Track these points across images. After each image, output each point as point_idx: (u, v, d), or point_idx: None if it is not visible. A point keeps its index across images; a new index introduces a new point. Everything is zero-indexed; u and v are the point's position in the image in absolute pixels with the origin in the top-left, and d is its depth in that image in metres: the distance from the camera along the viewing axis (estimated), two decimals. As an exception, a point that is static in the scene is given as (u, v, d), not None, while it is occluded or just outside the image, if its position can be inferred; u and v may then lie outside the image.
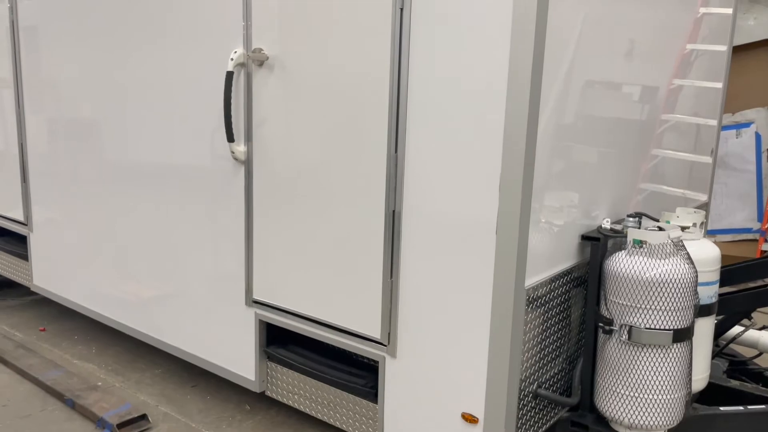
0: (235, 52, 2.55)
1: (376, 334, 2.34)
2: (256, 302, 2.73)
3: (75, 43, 3.36)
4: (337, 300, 2.44)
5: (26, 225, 3.93)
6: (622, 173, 2.62)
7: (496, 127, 1.96)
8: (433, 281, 2.18)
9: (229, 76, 2.55)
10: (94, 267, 3.51)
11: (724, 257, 2.39)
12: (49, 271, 3.86)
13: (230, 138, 2.61)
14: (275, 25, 2.47)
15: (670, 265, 2.07)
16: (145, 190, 3.14)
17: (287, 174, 2.53)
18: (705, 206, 3.43)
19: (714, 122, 3.41)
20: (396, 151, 2.19)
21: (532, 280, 2.07)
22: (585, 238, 2.31)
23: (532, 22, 1.85)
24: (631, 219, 2.27)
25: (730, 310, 2.72)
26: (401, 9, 2.10)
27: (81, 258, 3.58)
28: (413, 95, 2.13)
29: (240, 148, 2.64)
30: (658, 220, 2.40)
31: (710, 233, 5.26)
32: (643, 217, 2.31)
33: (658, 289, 2.06)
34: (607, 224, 2.33)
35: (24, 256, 4.01)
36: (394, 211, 2.23)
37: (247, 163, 2.65)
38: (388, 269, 2.27)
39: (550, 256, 2.19)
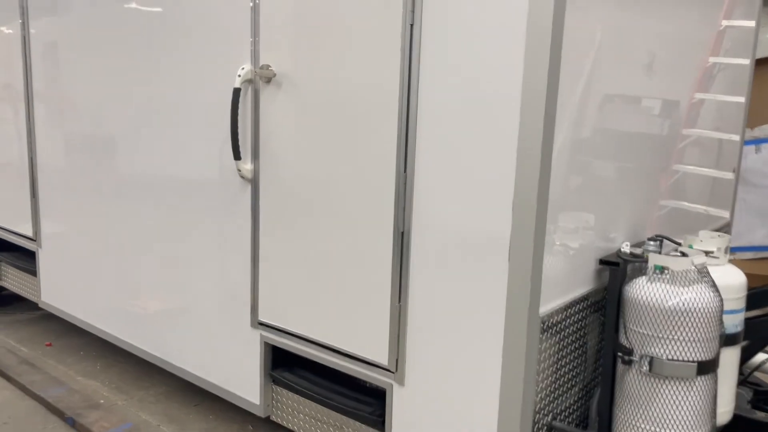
0: (243, 68, 2.51)
1: (383, 360, 2.25)
2: (262, 324, 2.66)
3: (85, 59, 3.34)
4: (343, 324, 2.37)
5: (35, 241, 3.91)
6: (642, 190, 2.51)
7: (509, 145, 1.87)
8: (443, 306, 2.09)
9: (236, 92, 2.50)
10: (101, 284, 3.47)
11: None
12: (57, 288, 3.83)
13: (237, 156, 2.55)
14: (283, 41, 2.42)
15: (694, 292, 1.96)
16: (152, 207, 3.09)
17: (294, 193, 2.46)
18: (727, 226, 3.30)
19: (736, 137, 3.30)
20: (405, 170, 2.12)
21: (547, 306, 1.98)
22: (603, 262, 2.21)
23: (548, 35, 1.77)
24: (651, 243, 2.17)
25: (754, 335, 2.58)
26: (411, 25, 2.04)
27: (88, 275, 3.54)
28: (423, 113, 2.06)
29: (247, 166, 2.59)
30: (679, 244, 2.29)
31: (730, 251, 5.10)
32: (664, 240, 2.20)
33: (682, 318, 1.95)
34: (626, 248, 2.23)
35: (32, 271, 3.99)
36: (402, 232, 2.15)
37: (254, 182, 2.59)
38: (396, 293, 2.19)
39: (566, 281, 2.09)
